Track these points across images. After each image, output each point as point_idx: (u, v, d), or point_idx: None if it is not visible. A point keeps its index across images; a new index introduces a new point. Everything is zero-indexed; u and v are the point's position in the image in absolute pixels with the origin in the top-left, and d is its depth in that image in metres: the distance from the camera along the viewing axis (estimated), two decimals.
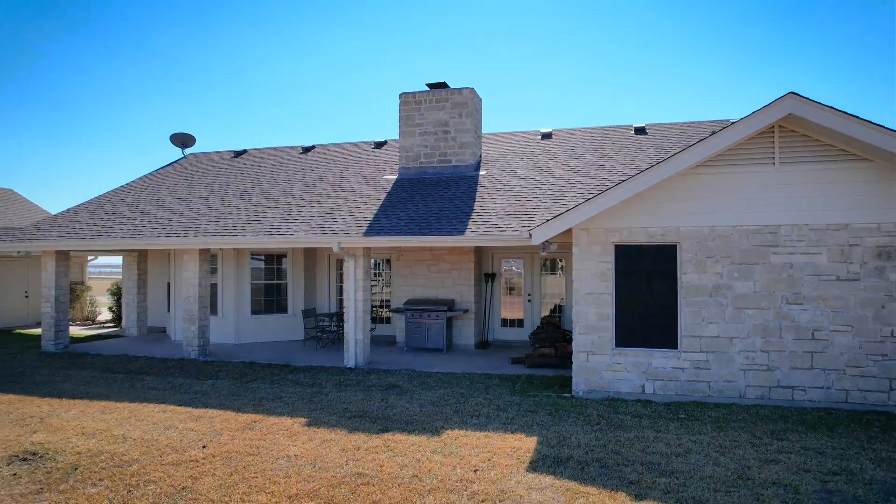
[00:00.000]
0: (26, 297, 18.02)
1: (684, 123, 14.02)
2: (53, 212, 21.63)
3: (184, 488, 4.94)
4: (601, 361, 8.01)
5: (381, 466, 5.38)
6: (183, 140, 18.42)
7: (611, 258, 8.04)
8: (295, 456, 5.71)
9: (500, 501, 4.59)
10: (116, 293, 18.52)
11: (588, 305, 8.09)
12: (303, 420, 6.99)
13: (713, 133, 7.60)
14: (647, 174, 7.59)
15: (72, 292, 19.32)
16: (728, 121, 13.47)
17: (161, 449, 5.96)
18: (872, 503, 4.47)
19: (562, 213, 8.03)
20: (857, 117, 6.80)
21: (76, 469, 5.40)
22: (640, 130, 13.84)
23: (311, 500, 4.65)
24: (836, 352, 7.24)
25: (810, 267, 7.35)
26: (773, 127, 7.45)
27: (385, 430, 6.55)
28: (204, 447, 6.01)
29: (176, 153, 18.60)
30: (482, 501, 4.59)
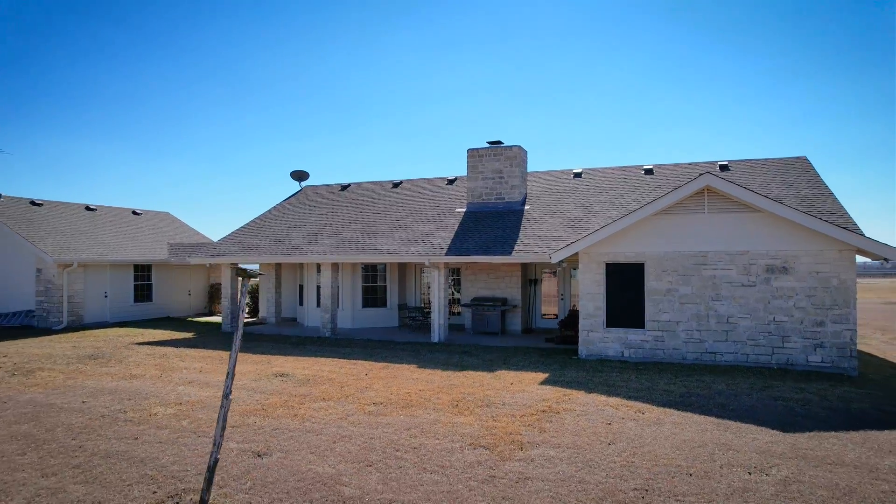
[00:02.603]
0: (189, 295, 24.21)
1: (684, 164, 18.29)
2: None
3: (366, 387, 10.06)
4: (596, 336, 12.69)
5: (462, 381, 10.35)
6: (299, 175, 24.13)
7: (603, 271, 12.70)
8: (416, 378, 10.77)
9: (521, 392, 9.46)
10: (252, 292, 24.45)
11: (588, 301, 12.78)
12: (414, 366, 12.07)
13: (700, 174, 12.01)
14: (624, 220, 12.22)
15: (216, 291, 25.47)
16: (716, 163, 17.66)
17: (344, 375, 11.17)
18: (705, 396, 9.05)
19: (571, 243, 12.78)
20: (743, 187, 11.24)
21: (308, 380, 10.67)
22: (648, 171, 18.23)
23: (430, 391, 9.66)
24: (741, 331, 11.64)
25: (726, 277, 11.76)
26: (704, 190, 11.90)
27: (462, 370, 11.53)
28: (366, 374, 11.18)
29: (294, 186, 24.32)
30: (514, 392, 9.48)
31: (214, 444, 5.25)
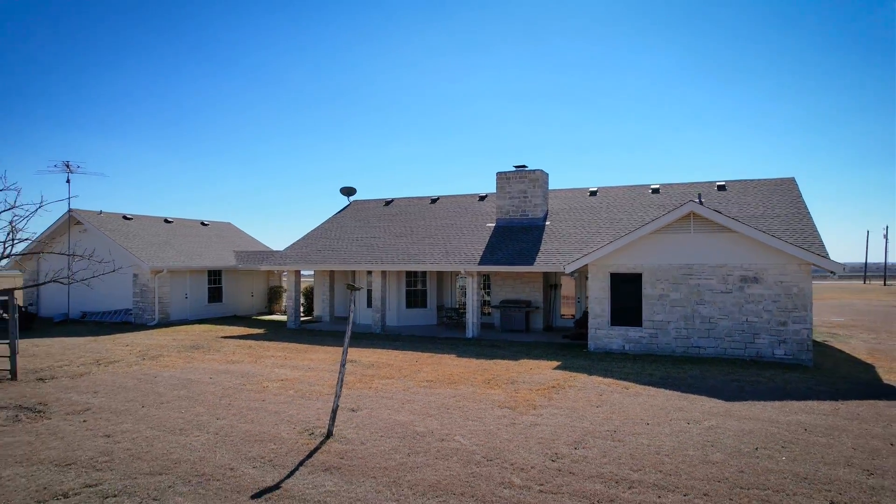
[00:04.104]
0: (251, 296, 27.63)
1: (687, 184, 20.80)
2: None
3: (418, 370, 13.03)
4: (603, 333, 15.45)
5: (493, 367, 13.24)
6: (348, 191, 27.30)
7: (608, 280, 15.45)
8: (456, 364, 13.71)
9: (538, 374, 12.32)
10: (307, 294, 27.74)
11: (596, 304, 15.55)
12: (454, 355, 15.01)
13: (685, 202, 14.65)
14: (625, 238, 14.94)
15: (275, 293, 28.87)
16: (714, 183, 20.13)
17: (399, 361, 14.17)
18: (680, 378, 11.76)
19: (582, 257, 15.56)
20: (719, 213, 13.88)
21: (372, 364, 13.71)
22: (655, 190, 20.81)
23: (468, 373, 12.57)
24: (721, 329, 14.25)
25: (708, 286, 14.39)
26: (689, 214, 14.54)
27: (492, 359, 14.43)
28: (416, 361, 14.17)
29: (343, 201, 27.50)
30: (533, 374, 12.34)
31: (336, 396, 8.29)
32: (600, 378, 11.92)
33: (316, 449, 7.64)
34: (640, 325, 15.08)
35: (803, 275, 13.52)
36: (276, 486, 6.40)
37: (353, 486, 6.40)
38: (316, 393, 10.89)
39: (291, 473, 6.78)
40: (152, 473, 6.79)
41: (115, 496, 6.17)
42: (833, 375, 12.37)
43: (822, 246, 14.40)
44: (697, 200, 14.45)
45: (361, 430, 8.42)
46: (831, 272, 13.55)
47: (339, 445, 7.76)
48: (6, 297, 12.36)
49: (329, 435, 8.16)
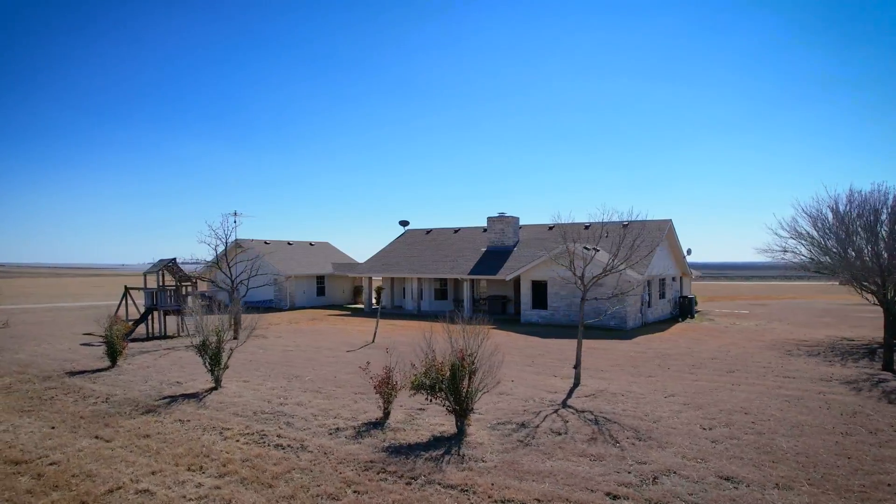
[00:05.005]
0: (342, 292, 42.12)
1: (608, 222, 32.86)
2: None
3: (427, 327, 26.52)
4: (528, 312, 28.20)
5: (466, 328, 26.53)
6: (404, 223, 41.15)
7: (530, 284, 28.16)
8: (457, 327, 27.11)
9: (485, 330, 25.54)
10: (378, 290, 41.84)
11: (525, 297, 28.31)
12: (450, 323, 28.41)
13: (566, 246, 27.08)
14: (535, 261, 27.60)
15: (357, 290, 43.22)
16: (621, 222, 32.11)
17: (425, 327, 27.70)
18: (547, 332, 24.48)
19: (515, 271, 28.39)
20: (586, 248, 26.43)
21: (402, 325, 27.30)
22: (586, 227, 33.01)
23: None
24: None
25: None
26: (567, 249, 27.00)
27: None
28: (433, 326, 27.70)
29: (399, 229, 41.31)
30: (485, 330, 25.57)
31: (374, 333, 22.05)
32: (515, 334, 24.84)
33: (366, 344, 21.27)
34: (546, 309, 27.69)
35: (624, 280, 25.71)
36: (344, 354, 20.13)
37: (380, 351, 20.00)
38: (368, 332, 24.62)
39: (349, 351, 20.45)
40: (315, 347, 20.74)
41: (303, 353, 20.13)
42: (633, 333, 24.57)
43: (687, 266, 26.36)
44: (582, 243, 26.81)
45: (393, 347, 21.98)
46: (691, 277, 25.59)
47: (377, 342, 21.36)
48: (212, 294, 26.95)
49: (373, 340, 21.77)
